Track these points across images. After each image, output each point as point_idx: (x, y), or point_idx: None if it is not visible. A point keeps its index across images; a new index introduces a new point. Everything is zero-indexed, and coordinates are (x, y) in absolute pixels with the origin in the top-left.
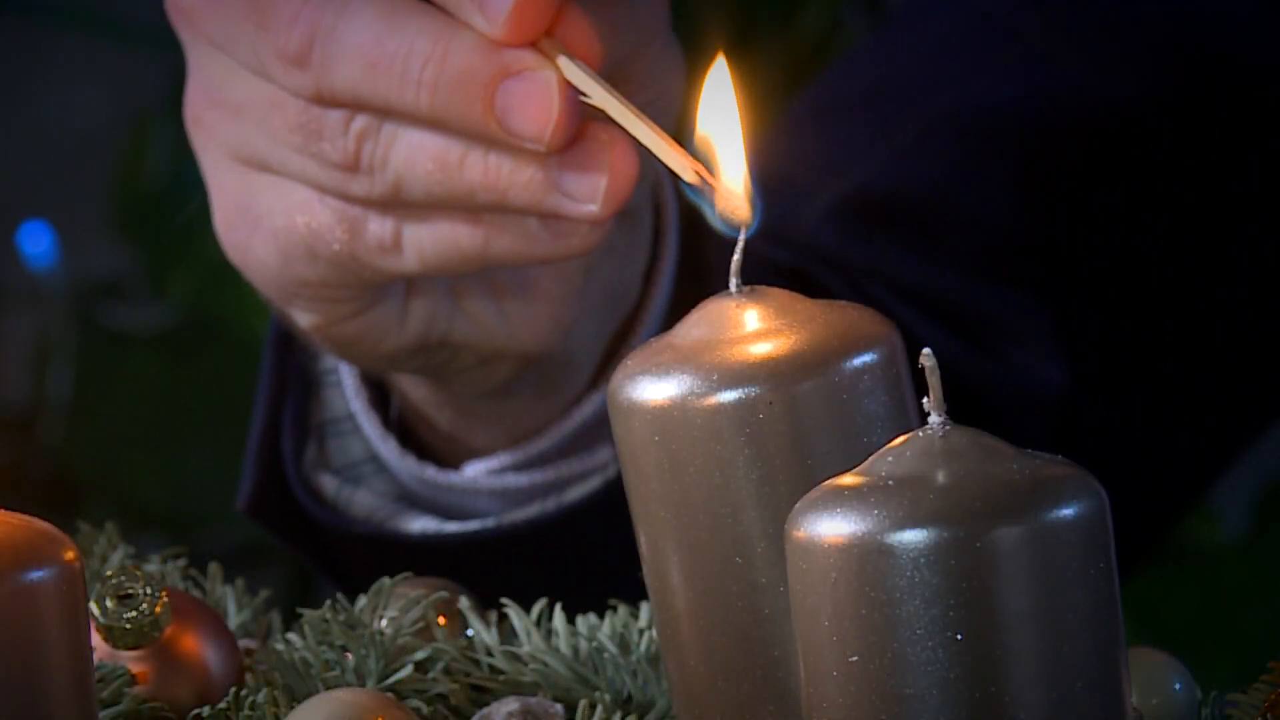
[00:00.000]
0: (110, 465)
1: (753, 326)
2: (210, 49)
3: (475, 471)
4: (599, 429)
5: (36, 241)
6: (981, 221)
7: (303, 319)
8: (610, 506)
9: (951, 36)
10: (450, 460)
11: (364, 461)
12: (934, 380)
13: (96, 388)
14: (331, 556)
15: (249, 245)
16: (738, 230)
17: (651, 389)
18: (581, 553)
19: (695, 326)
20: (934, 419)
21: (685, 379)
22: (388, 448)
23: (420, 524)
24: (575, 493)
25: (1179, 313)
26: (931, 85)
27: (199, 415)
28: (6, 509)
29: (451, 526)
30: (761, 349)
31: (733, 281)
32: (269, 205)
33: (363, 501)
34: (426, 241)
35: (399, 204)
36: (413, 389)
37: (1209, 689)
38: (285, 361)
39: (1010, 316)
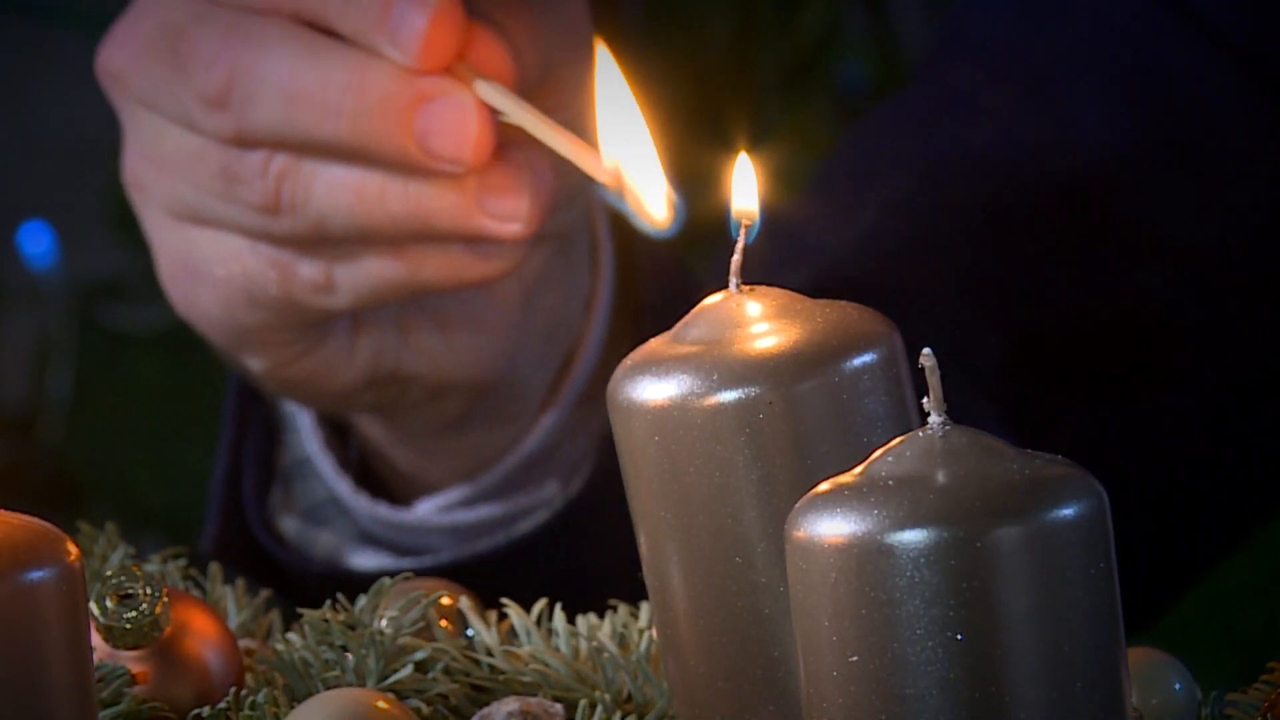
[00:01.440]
0: (110, 465)
1: (753, 326)
2: (140, 109)
3: (426, 509)
4: (545, 463)
5: (36, 241)
6: (939, 299)
7: (253, 364)
8: (558, 538)
9: (917, 113)
10: (409, 496)
11: (327, 503)
12: (934, 380)
13: (96, 388)
14: (295, 594)
15: (194, 298)
16: (662, 232)
17: (651, 389)
18: (535, 582)
19: (695, 326)
20: (934, 419)
21: (685, 379)
22: (342, 487)
23: (375, 560)
24: (524, 526)
25: (1143, 382)
26: (896, 162)
27: (199, 415)
28: (6, 509)
29: (405, 562)
30: (761, 349)
31: (732, 281)
32: (206, 256)
33: (325, 541)
34: (357, 277)
35: (324, 241)
36: (369, 427)
37: (1209, 689)
38: (247, 405)
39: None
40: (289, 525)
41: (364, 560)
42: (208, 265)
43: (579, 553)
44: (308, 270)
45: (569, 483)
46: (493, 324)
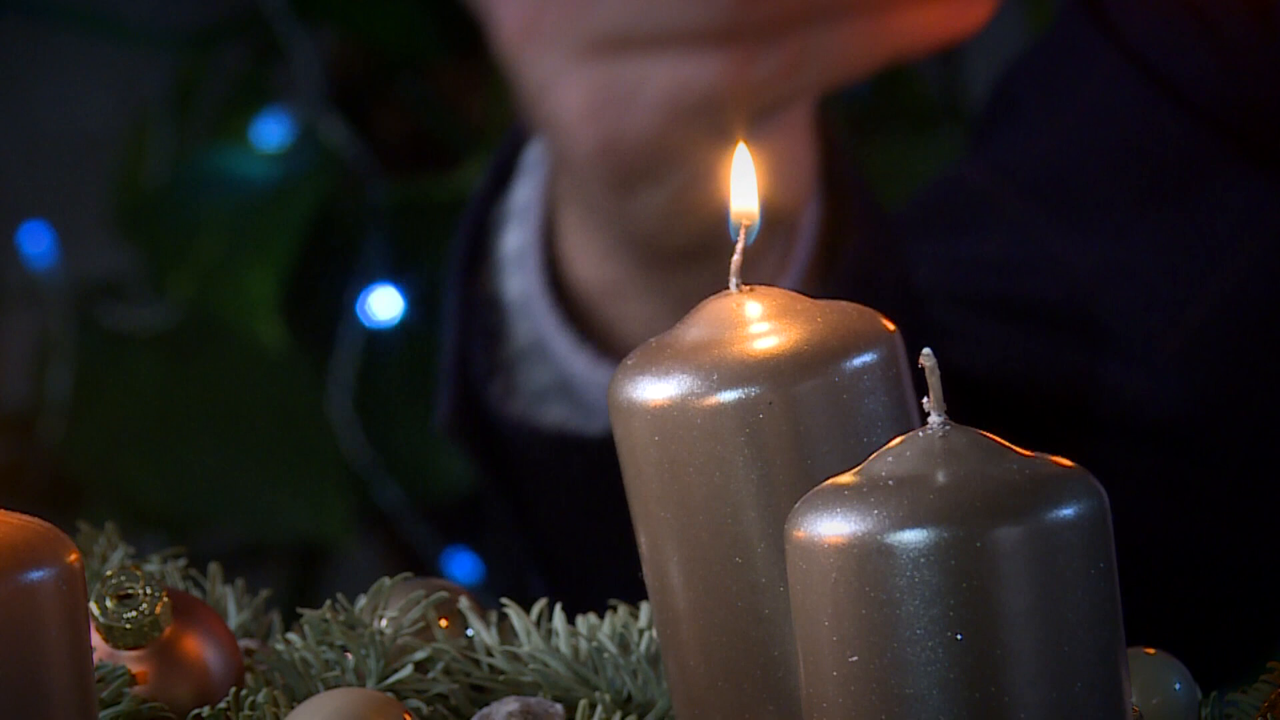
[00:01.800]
0: (110, 465)
1: (753, 326)
2: None
3: None
4: None
5: (36, 241)
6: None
7: (652, 198)
8: None
9: (928, 206)
10: None
11: (550, 388)
12: (934, 380)
13: (96, 388)
14: (516, 475)
15: (621, 129)
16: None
17: (651, 389)
18: None
19: (695, 326)
20: (934, 419)
21: (685, 379)
22: (579, 362)
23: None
24: None
25: None
26: (907, 259)
27: (199, 415)
28: (6, 509)
29: None
30: (761, 349)
31: (732, 281)
32: (637, 78)
33: (553, 415)
34: (831, 53)
35: (798, 20)
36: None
37: (1209, 689)
38: (471, 288)
39: None
40: (513, 408)
41: (594, 427)
42: (640, 87)
43: None
44: (771, 59)
45: None
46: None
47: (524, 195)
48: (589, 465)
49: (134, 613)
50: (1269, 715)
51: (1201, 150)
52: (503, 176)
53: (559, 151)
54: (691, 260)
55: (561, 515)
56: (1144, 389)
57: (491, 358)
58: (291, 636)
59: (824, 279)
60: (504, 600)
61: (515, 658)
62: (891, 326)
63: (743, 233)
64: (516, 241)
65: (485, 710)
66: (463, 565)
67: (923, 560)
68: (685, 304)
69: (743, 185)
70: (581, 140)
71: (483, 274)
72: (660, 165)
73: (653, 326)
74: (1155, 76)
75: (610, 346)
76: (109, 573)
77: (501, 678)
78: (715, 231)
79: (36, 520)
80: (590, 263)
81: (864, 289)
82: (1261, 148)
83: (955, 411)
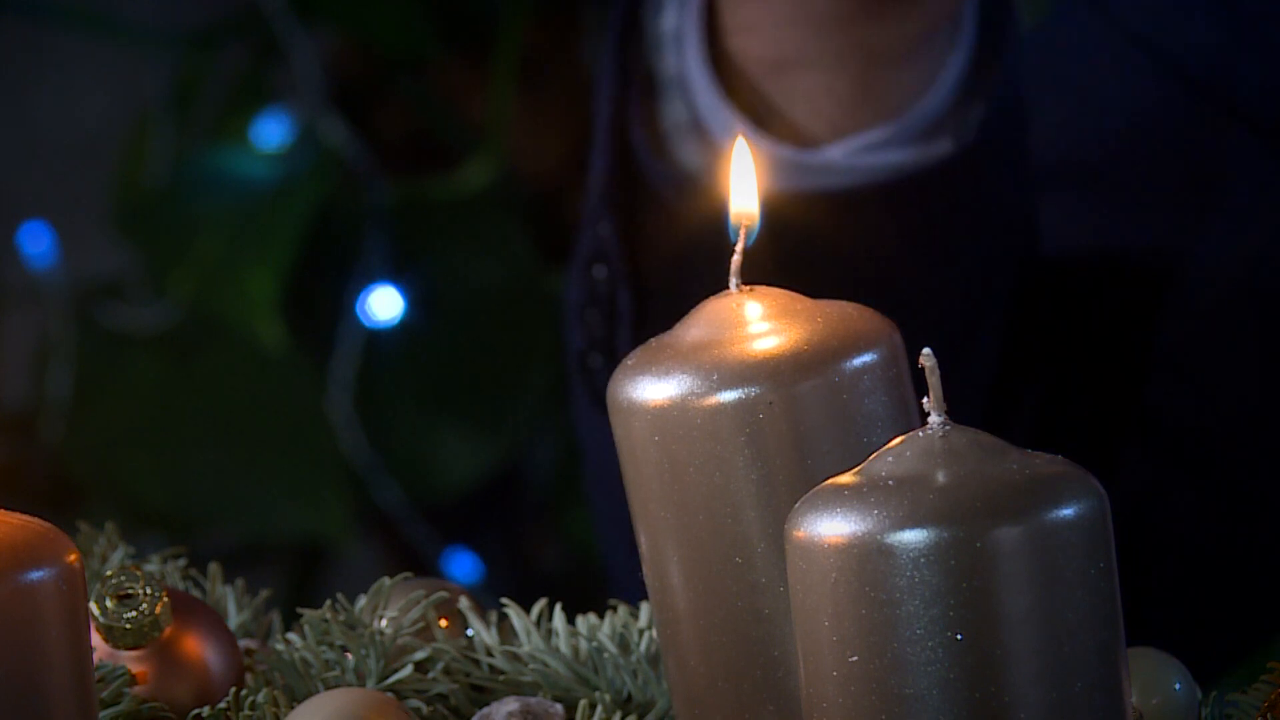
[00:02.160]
0: (110, 465)
1: (753, 326)
2: None
3: (835, 152)
4: (946, 119)
5: (36, 241)
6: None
7: None
8: (956, 178)
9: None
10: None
11: (705, 169)
12: (934, 380)
13: (96, 388)
14: (659, 249)
15: None
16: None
17: (651, 389)
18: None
19: (695, 326)
20: (934, 419)
21: (685, 379)
22: (743, 129)
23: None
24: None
25: None
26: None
27: (199, 415)
28: (6, 509)
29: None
30: (761, 349)
31: (732, 281)
32: None
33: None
34: None
35: None
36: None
37: (1209, 689)
38: (629, 57)
39: None
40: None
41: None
42: None
43: (973, 196)
44: None
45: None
46: None
47: None
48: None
49: (134, 613)
50: (1269, 715)
51: (1209, 130)
52: None
53: None
54: (875, 15)
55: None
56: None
57: (648, 131)
58: (291, 636)
59: (974, 90)
60: (504, 600)
61: (515, 658)
62: (891, 326)
63: (743, 233)
64: (674, 19)
65: (485, 710)
66: (463, 565)
67: (923, 560)
68: (864, 75)
69: (743, 185)
70: None
71: (637, 49)
72: None
73: (827, 102)
74: (1160, 55)
75: (770, 128)
76: (109, 573)
77: (501, 678)
78: None
79: (36, 520)
80: (763, 32)
81: (999, 128)
82: (1272, 127)
83: (953, 408)
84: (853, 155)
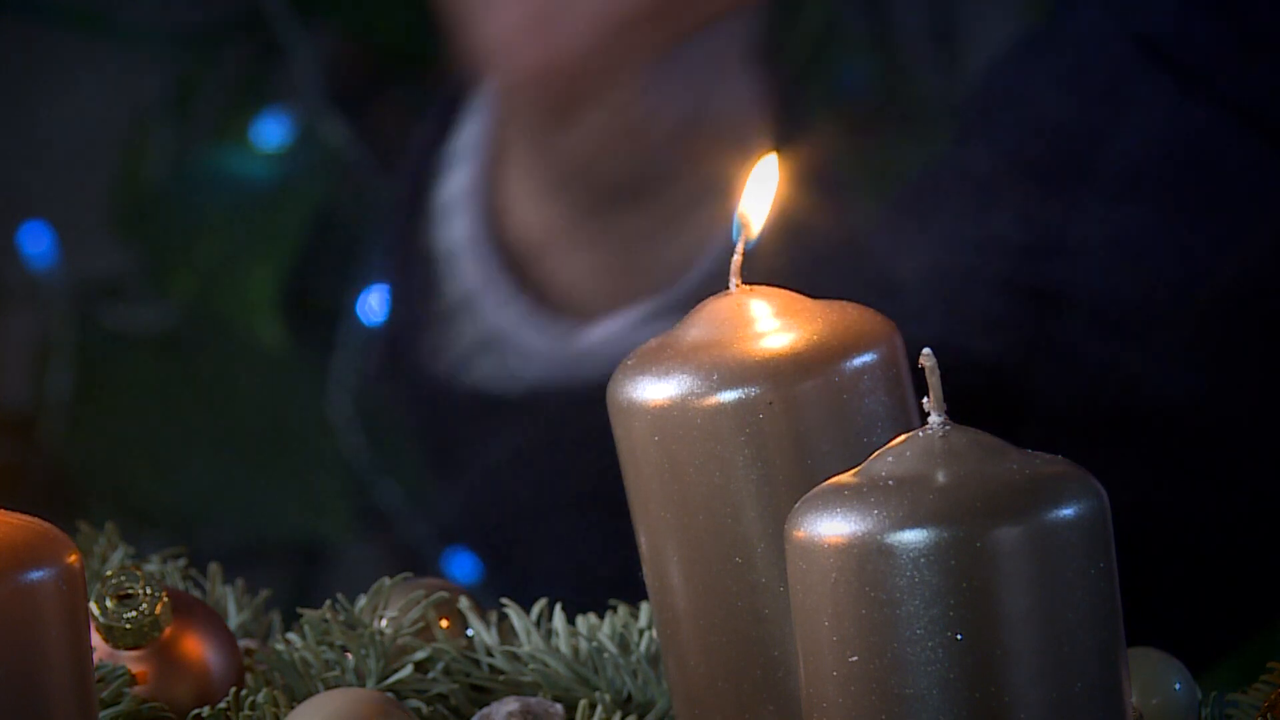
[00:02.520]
0: (110, 465)
1: (752, 326)
2: None
3: (599, 335)
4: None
5: (36, 241)
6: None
7: (594, 118)
8: None
9: (925, 191)
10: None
11: (475, 346)
12: (934, 380)
13: (96, 388)
14: (440, 431)
15: (556, 47)
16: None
17: (651, 389)
18: None
19: (695, 326)
20: (934, 419)
21: (685, 379)
22: (509, 315)
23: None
24: None
25: None
26: (905, 250)
27: (199, 415)
28: (6, 509)
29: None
30: (761, 349)
31: (732, 281)
32: None
33: (476, 374)
34: None
35: None
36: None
37: (1209, 689)
38: (408, 240)
39: None
40: (439, 366)
41: (518, 389)
42: (573, 2)
43: None
44: None
45: None
46: None
47: (468, 136)
48: (506, 426)
49: (134, 613)
50: (1269, 715)
51: (1211, 130)
52: (445, 123)
53: (496, 77)
54: (631, 199)
55: (486, 474)
56: (1150, 371)
57: (422, 313)
58: (291, 636)
59: None
60: (504, 600)
61: (515, 658)
62: (891, 326)
63: (743, 236)
64: (459, 184)
65: (485, 710)
66: (463, 565)
67: (923, 560)
68: (624, 254)
69: (759, 191)
70: (519, 59)
71: (420, 225)
72: (597, 83)
73: (590, 278)
74: (1163, 56)
75: (544, 301)
76: (109, 573)
77: (501, 678)
78: (654, 165)
79: (36, 520)
80: (530, 206)
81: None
82: (1274, 127)
83: (953, 405)
84: (625, 332)
